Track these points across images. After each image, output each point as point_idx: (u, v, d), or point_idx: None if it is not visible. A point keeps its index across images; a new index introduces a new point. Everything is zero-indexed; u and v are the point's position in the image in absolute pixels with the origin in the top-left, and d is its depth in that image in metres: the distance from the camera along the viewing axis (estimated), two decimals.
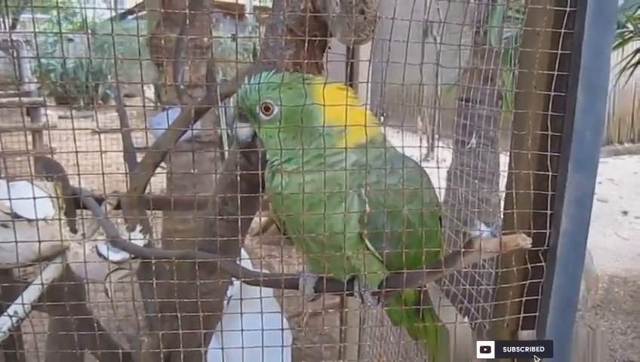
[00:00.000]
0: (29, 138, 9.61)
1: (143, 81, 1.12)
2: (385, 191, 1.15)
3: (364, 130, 1.13)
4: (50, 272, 1.79)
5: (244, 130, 1.21)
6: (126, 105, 2.19)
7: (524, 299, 1.31)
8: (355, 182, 1.16)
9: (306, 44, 1.14)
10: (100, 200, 2.02)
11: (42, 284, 1.66)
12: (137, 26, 1.18)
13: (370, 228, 1.17)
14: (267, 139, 1.18)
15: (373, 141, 1.18)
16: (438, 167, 1.28)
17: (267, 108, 1.15)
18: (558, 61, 1.22)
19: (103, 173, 1.06)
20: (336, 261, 1.23)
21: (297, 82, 1.16)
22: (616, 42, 5.31)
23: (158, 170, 1.99)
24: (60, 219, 1.56)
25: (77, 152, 0.98)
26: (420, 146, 1.28)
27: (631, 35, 5.48)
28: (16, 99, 10.04)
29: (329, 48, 1.39)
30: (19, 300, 1.68)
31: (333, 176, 1.14)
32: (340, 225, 1.16)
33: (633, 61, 5.70)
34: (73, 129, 1.00)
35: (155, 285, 1.54)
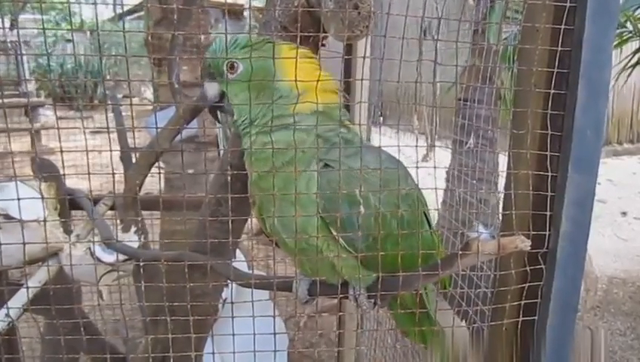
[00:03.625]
0: (28, 138, 9.63)
1: (129, 79, 1.10)
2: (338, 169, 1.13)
3: (323, 98, 1.15)
4: (43, 274, 1.76)
5: (212, 88, 1.23)
6: (122, 104, 2.17)
7: (523, 302, 1.29)
8: (315, 151, 1.17)
9: (299, 41, 1.12)
10: (95, 201, 1.99)
11: (28, 287, 1.63)
12: (124, 25, 1.15)
13: (327, 204, 1.15)
14: (233, 98, 1.21)
15: (328, 110, 1.19)
16: (435, 167, 1.25)
17: (232, 67, 1.19)
18: (558, 58, 1.20)
19: (89, 173, 1.03)
20: (322, 263, 1.21)
21: (262, 44, 1.18)
22: (615, 42, 5.29)
23: (156, 170, 1.97)
24: (47, 221, 1.53)
25: (62, 151, 0.96)
26: (417, 146, 1.25)
27: (630, 35, 5.46)
28: (15, 99, 10.05)
29: (323, 45, 1.37)
30: (10, 303, 1.65)
31: (292, 138, 1.14)
32: (300, 196, 1.15)
33: (632, 61, 5.68)
34: (58, 128, 0.97)
35: (146, 287, 1.51)
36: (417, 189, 1.29)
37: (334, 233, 1.16)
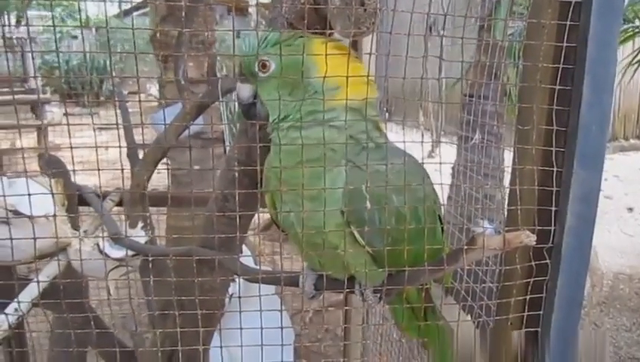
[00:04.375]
0: (34, 135, 9.68)
1: (138, 75, 1.11)
2: (367, 172, 1.12)
3: (358, 92, 1.12)
4: (52, 269, 1.78)
5: (245, 89, 1.20)
6: (128, 101, 2.18)
7: (528, 297, 1.29)
8: (344, 151, 1.14)
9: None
10: (102, 197, 2.01)
11: (38, 282, 1.65)
12: (132, 21, 1.16)
13: (351, 206, 1.14)
14: (266, 96, 1.18)
15: (362, 106, 1.16)
16: (440, 163, 1.26)
17: (264, 66, 1.15)
18: (563, 54, 1.20)
19: (98, 169, 1.05)
20: (334, 259, 1.21)
21: (294, 39, 1.15)
22: (623, 38, 5.26)
23: (163, 166, 1.97)
24: (56, 216, 1.54)
25: (71, 148, 0.97)
26: (422, 142, 1.25)
27: (638, 31, 5.43)
28: (21, 96, 10.11)
29: None
30: (19, 297, 1.67)
31: (322, 135, 1.12)
32: (323, 193, 1.13)
33: (639, 57, 5.64)
34: (68, 124, 0.99)
35: (155, 283, 1.53)
36: (434, 192, 1.29)
37: (355, 232, 1.15)
